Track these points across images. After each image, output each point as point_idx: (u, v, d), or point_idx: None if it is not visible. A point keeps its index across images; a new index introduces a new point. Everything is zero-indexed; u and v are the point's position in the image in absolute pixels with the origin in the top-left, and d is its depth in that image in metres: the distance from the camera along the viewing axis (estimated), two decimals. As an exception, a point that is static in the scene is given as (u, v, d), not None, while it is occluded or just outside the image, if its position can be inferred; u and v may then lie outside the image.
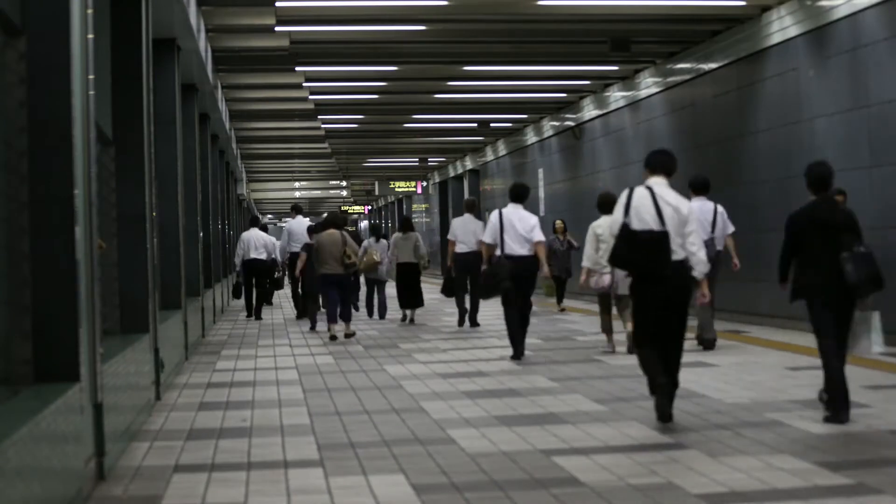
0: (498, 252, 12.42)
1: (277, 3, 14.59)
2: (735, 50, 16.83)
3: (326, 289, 16.25)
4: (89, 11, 6.91)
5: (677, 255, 8.09)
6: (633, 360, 12.19)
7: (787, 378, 10.39)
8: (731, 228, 13.18)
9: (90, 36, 6.90)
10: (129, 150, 10.18)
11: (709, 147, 18.13)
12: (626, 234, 8.08)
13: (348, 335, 15.79)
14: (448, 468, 6.85)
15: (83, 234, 6.51)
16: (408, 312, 18.95)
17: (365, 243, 19.60)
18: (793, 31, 15.06)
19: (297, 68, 19.33)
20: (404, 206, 55.10)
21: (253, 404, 9.90)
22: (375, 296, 20.03)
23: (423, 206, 49.97)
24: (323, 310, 17.81)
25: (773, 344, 13.42)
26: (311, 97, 22.99)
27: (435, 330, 17.31)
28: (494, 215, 12.62)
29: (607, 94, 22.95)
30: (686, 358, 11.95)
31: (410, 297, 18.70)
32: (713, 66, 17.67)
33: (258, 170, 44.59)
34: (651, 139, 20.69)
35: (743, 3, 15.61)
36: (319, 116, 26.46)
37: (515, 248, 12.36)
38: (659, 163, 8.39)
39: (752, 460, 6.77)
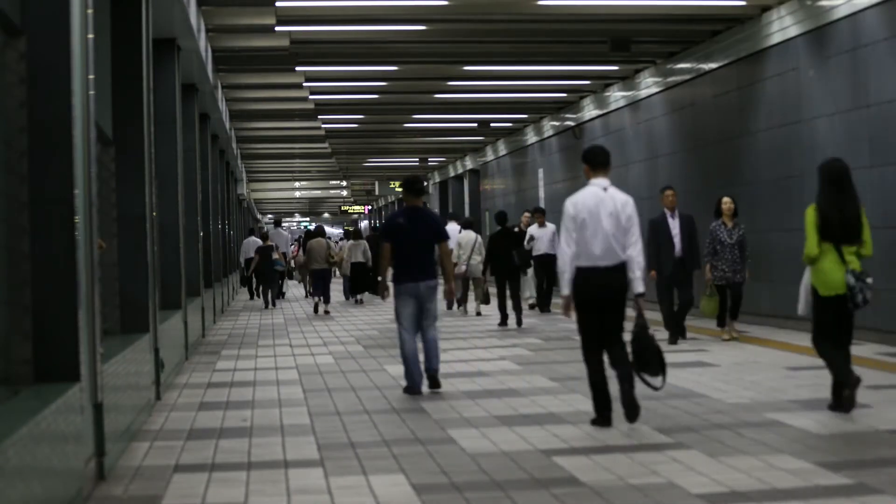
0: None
1: (277, 3, 14.59)
2: (735, 50, 16.83)
3: (316, 279, 23.25)
4: (89, 11, 6.91)
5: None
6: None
7: (787, 378, 10.39)
8: None
9: (90, 36, 6.90)
10: (129, 150, 10.18)
11: (709, 147, 18.13)
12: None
13: (326, 312, 22.38)
14: (448, 468, 6.85)
15: (83, 234, 6.51)
16: (359, 296, 26.37)
17: (341, 243, 28.05)
18: (793, 31, 15.06)
19: (297, 68, 19.34)
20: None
21: (253, 404, 9.90)
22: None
23: (423, 206, 49.87)
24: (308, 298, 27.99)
25: (773, 344, 13.42)
26: (311, 97, 23.01)
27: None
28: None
29: (607, 94, 22.95)
30: (686, 358, 12.10)
31: (360, 286, 25.93)
32: (713, 66, 17.67)
33: (258, 170, 44.60)
34: (651, 139, 20.70)
35: (743, 3, 15.61)
36: (319, 116, 26.48)
37: None
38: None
39: (752, 460, 6.76)
